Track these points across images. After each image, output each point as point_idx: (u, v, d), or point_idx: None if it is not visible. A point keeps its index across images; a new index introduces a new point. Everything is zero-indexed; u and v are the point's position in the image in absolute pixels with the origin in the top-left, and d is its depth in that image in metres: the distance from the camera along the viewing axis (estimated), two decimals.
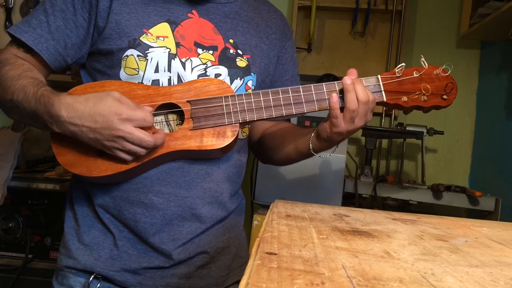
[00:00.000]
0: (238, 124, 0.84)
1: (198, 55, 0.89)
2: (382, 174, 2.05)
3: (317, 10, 2.06)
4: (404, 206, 1.77)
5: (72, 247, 0.89)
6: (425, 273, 0.36)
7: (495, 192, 1.73)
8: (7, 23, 2.12)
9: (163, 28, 0.88)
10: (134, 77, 0.86)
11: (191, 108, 0.83)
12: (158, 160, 0.83)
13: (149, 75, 0.86)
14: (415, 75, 0.86)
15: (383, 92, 0.86)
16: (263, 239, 0.43)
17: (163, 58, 0.86)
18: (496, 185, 1.80)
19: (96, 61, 0.90)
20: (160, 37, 0.87)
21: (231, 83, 0.91)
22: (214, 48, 0.90)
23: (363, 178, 1.77)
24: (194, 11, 0.91)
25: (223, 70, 0.90)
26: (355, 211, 0.72)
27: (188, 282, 0.90)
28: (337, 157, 1.51)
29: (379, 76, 0.86)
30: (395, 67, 0.86)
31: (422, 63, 0.86)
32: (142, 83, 0.86)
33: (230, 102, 0.84)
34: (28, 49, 0.86)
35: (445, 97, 0.86)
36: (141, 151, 0.77)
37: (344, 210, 0.71)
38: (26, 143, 1.90)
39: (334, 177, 1.51)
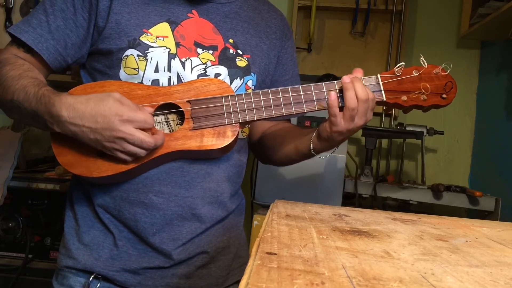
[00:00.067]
0: (238, 124, 0.84)
1: (198, 55, 0.89)
2: (382, 174, 2.05)
3: (317, 10, 2.06)
4: (404, 206, 1.77)
5: (72, 247, 0.89)
6: (425, 273, 0.36)
7: (495, 192, 1.72)
8: (7, 23, 2.12)
9: (163, 28, 0.88)
10: (134, 77, 0.86)
11: (191, 108, 0.83)
12: (158, 160, 0.83)
13: (149, 75, 0.86)
14: (414, 74, 0.86)
15: (382, 91, 0.86)
16: (263, 239, 0.43)
17: (163, 58, 0.86)
18: (496, 185, 1.80)
19: (96, 61, 0.90)
20: (160, 37, 0.87)
21: (231, 83, 0.91)
22: (214, 48, 0.90)
23: (363, 178, 1.77)
24: (194, 11, 0.91)
25: (223, 70, 0.90)
26: (355, 211, 0.72)
27: (188, 282, 0.90)
28: (337, 157, 1.51)
29: (378, 75, 0.86)
30: (395, 67, 0.86)
31: (422, 62, 0.86)
32: (142, 83, 0.86)
33: (230, 102, 0.84)
34: (28, 49, 0.86)
35: (444, 96, 0.86)
36: (141, 152, 0.77)
37: (344, 210, 0.70)
38: (26, 143, 1.90)
39: (334, 177, 1.51)
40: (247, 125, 0.98)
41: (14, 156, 1.70)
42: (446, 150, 2.09)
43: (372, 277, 0.34)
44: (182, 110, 0.83)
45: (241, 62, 0.92)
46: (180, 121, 0.86)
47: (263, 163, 1.14)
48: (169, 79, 0.86)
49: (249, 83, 0.93)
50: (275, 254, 0.38)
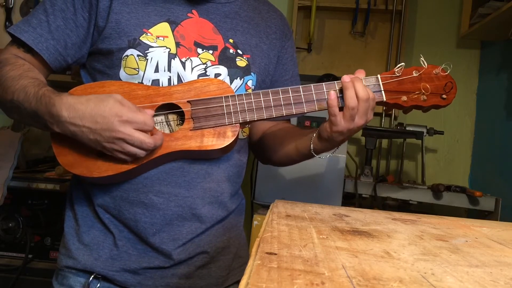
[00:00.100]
0: (238, 124, 0.84)
1: (198, 55, 0.89)
2: (382, 174, 2.05)
3: (317, 10, 2.06)
4: (404, 206, 1.77)
5: (72, 247, 0.89)
6: (425, 273, 0.36)
7: (495, 192, 1.73)
8: (7, 23, 2.12)
9: (163, 28, 0.88)
10: (134, 77, 0.86)
11: (192, 109, 0.83)
12: (158, 160, 0.83)
13: (149, 75, 0.86)
14: (414, 75, 0.86)
15: (382, 91, 0.86)
16: (263, 239, 0.43)
17: (163, 58, 0.86)
18: (496, 185, 1.80)
19: (96, 61, 0.90)
20: (160, 37, 0.87)
21: (231, 83, 0.91)
22: (214, 48, 0.90)
23: (363, 178, 1.77)
24: (194, 11, 0.91)
25: (223, 70, 0.90)
26: (355, 211, 0.72)
27: (188, 282, 0.90)
28: (337, 157, 1.51)
29: (378, 75, 0.86)
30: (395, 67, 0.86)
31: (422, 63, 0.86)
32: (142, 83, 0.86)
33: (231, 102, 0.84)
34: (28, 49, 0.86)
35: (444, 96, 0.86)
36: (141, 153, 0.77)
37: (344, 210, 0.70)
38: (26, 143, 1.90)
39: (334, 177, 1.51)
40: (247, 125, 0.98)
41: (14, 156, 1.70)
42: (446, 150, 2.09)
43: (372, 277, 0.34)
44: (183, 110, 0.84)
45: (241, 62, 0.92)
46: (180, 121, 0.86)
47: (263, 163, 1.14)
48: (169, 79, 0.87)
49: (249, 83, 0.93)
50: (275, 254, 0.38)
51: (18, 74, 0.82)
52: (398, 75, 0.86)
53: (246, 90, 0.93)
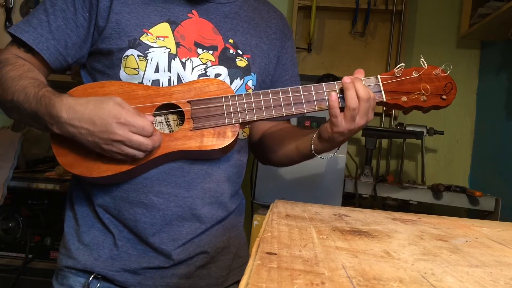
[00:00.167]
0: (238, 124, 0.85)
1: (198, 55, 0.89)
2: (382, 174, 2.05)
3: (317, 10, 2.06)
4: (404, 206, 1.77)
5: (72, 247, 0.89)
6: (425, 273, 0.36)
7: (495, 192, 1.73)
8: (7, 23, 2.12)
9: (163, 28, 0.88)
10: (134, 77, 0.86)
11: (191, 109, 0.83)
12: (158, 160, 0.83)
13: (149, 75, 0.86)
14: (414, 75, 0.86)
15: (382, 92, 0.86)
16: (263, 239, 0.43)
17: (163, 58, 0.86)
18: (496, 185, 1.80)
19: (96, 61, 0.90)
20: (160, 37, 0.87)
21: (231, 83, 0.91)
22: (214, 48, 0.90)
23: (363, 178, 1.77)
24: (194, 11, 0.91)
25: (223, 70, 0.90)
26: (355, 211, 0.72)
27: (188, 282, 0.90)
28: (337, 157, 1.51)
29: (378, 76, 0.86)
30: (395, 67, 0.86)
31: (422, 63, 0.86)
32: (142, 83, 0.86)
33: (230, 102, 0.84)
34: (29, 49, 0.86)
35: (444, 97, 0.86)
36: (140, 154, 0.77)
37: (344, 210, 0.71)
38: (26, 143, 1.90)
39: (334, 177, 1.51)
40: (247, 126, 0.98)
41: (14, 156, 1.70)
42: (446, 150, 2.09)
43: (372, 277, 0.34)
44: (182, 111, 0.84)
45: (241, 62, 0.92)
46: (180, 122, 0.86)
47: (263, 163, 1.14)
48: (169, 80, 0.87)
49: (249, 83, 0.93)
50: (275, 254, 0.38)
51: (18, 75, 0.82)
52: (398, 75, 0.86)
53: (246, 90, 0.93)
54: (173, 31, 0.88)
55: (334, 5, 2.09)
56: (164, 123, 0.86)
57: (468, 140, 2.08)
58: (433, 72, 0.86)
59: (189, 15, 0.91)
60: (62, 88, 0.90)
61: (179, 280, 0.89)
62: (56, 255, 1.31)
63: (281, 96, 0.85)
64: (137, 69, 0.86)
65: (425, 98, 0.86)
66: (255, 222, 1.38)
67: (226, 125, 0.84)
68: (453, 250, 0.46)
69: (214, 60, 0.90)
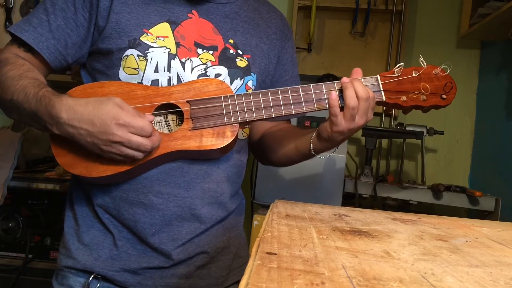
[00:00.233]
0: (237, 124, 0.84)
1: (198, 55, 0.89)
2: (382, 174, 2.05)
3: (317, 10, 2.06)
4: (404, 206, 1.77)
5: (72, 247, 0.89)
6: (425, 273, 0.36)
7: (495, 192, 1.72)
8: (7, 23, 2.12)
9: (163, 28, 0.88)
10: (134, 77, 0.86)
11: (191, 108, 0.83)
12: (157, 160, 0.83)
13: (149, 75, 0.86)
14: (414, 75, 0.86)
15: (382, 91, 0.86)
16: (263, 239, 0.43)
17: (163, 58, 0.86)
18: (496, 185, 1.80)
19: (96, 61, 0.90)
20: (160, 37, 0.87)
21: (231, 83, 0.91)
22: (214, 48, 0.90)
23: (363, 178, 1.77)
24: (194, 11, 0.91)
25: (223, 70, 0.90)
26: (355, 211, 0.72)
27: (188, 282, 0.90)
28: (337, 157, 1.51)
29: (378, 75, 0.86)
30: (394, 67, 0.86)
31: (421, 63, 0.86)
32: (141, 83, 0.86)
33: (230, 102, 0.84)
34: (29, 48, 0.86)
35: (444, 96, 0.86)
36: (139, 155, 0.77)
37: (344, 210, 0.70)
38: (26, 143, 1.90)
39: (334, 177, 1.51)
40: (247, 126, 0.98)
41: (14, 156, 1.70)
42: (446, 150, 2.09)
43: (372, 277, 0.34)
44: (182, 110, 0.83)
45: (241, 62, 0.92)
46: (179, 121, 0.86)
47: (263, 164, 1.14)
48: (169, 80, 0.86)
49: (249, 83, 0.93)
50: (275, 254, 0.38)
51: (18, 74, 0.82)
52: (397, 75, 0.86)
53: (246, 91, 0.93)
54: (173, 31, 0.88)
55: (334, 5, 2.09)
56: (164, 123, 0.85)
57: (468, 140, 2.08)
58: (433, 71, 0.86)
59: (189, 15, 0.91)
60: (62, 88, 0.90)
61: (179, 280, 0.89)
62: (56, 255, 1.30)
63: (280, 96, 0.85)
64: (137, 69, 0.86)
65: (424, 97, 0.86)
66: (255, 222, 1.38)
67: (225, 125, 0.84)
68: (453, 250, 0.46)
69: (214, 60, 0.90)
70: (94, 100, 0.76)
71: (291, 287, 0.30)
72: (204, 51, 0.89)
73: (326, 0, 2.09)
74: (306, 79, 1.73)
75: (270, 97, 0.85)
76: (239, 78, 0.91)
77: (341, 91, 0.83)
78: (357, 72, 0.85)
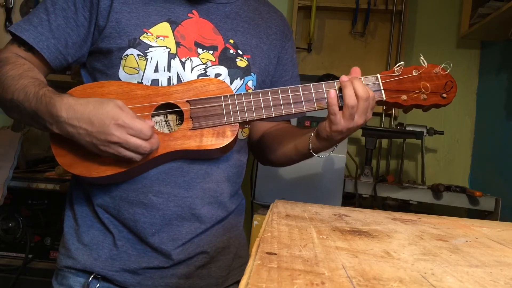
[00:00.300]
0: (237, 124, 0.84)
1: (198, 55, 0.89)
2: (382, 174, 2.05)
3: (317, 10, 2.06)
4: (404, 206, 1.77)
5: (72, 247, 0.89)
6: (425, 273, 0.36)
7: (495, 192, 1.72)
8: (7, 23, 2.12)
9: (163, 28, 0.88)
10: (134, 77, 0.86)
11: (191, 108, 0.83)
12: (157, 160, 0.83)
13: (149, 75, 0.86)
14: (414, 74, 0.86)
15: (382, 90, 0.86)
16: (263, 239, 0.43)
17: (163, 57, 0.86)
18: (496, 185, 1.80)
19: (96, 61, 0.90)
20: (160, 36, 0.87)
21: (231, 83, 0.90)
22: (214, 48, 0.90)
23: (363, 178, 1.77)
24: (194, 11, 0.91)
25: (223, 70, 0.90)
26: (355, 211, 0.72)
27: (187, 282, 0.90)
28: (337, 157, 1.51)
29: (378, 75, 0.86)
30: (394, 67, 0.86)
31: (421, 62, 0.86)
32: (141, 82, 0.86)
33: (230, 102, 0.84)
34: (29, 48, 0.86)
35: (444, 95, 0.86)
36: (137, 157, 0.77)
37: (344, 210, 0.70)
38: (26, 143, 1.90)
39: (334, 177, 1.51)
40: (247, 125, 0.98)
41: (14, 156, 1.70)
42: (446, 150, 2.09)
43: (372, 277, 0.34)
44: (182, 110, 0.83)
45: (241, 63, 0.92)
46: (179, 121, 0.86)
47: (262, 164, 1.14)
48: (169, 79, 0.86)
49: (249, 84, 0.93)
50: (275, 254, 0.38)
51: (18, 74, 0.82)
52: (397, 74, 0.86)
53: (246, 91, 0.93)
54: (173, 31, 0.88)
55: (334, 5, 2.09)
56: (164, 122, 0.85)
57: (468, 140, 2.08)
58: (433, 70, 0.86)
59: (190, 15, 0.91)
60: (62, 88, 0.90)
61: (179, 280, 0.89)
62: (56, 255, 1.31)
63: (280, 96, 0.85)
64: (137, 69, 0.85)
65: (425, 96, 0.86)
66: (255, 222, 1.38)
67: (225, 124, 0.84)
68: (453, 250, 0.46)
69: (214, 60, 0.90)
70: (95, 100, 0.76)
71: (291, 287, 0.30)
72: (204, 51, 0.89)
73: (326, 0, 2.09)
74: (306, 79, 1.73)
75: (270, 97, 0.85)
76: (239, 78, 0.91)
77: (340, 90, 0.83)
78: (356, 71, 0.85)
